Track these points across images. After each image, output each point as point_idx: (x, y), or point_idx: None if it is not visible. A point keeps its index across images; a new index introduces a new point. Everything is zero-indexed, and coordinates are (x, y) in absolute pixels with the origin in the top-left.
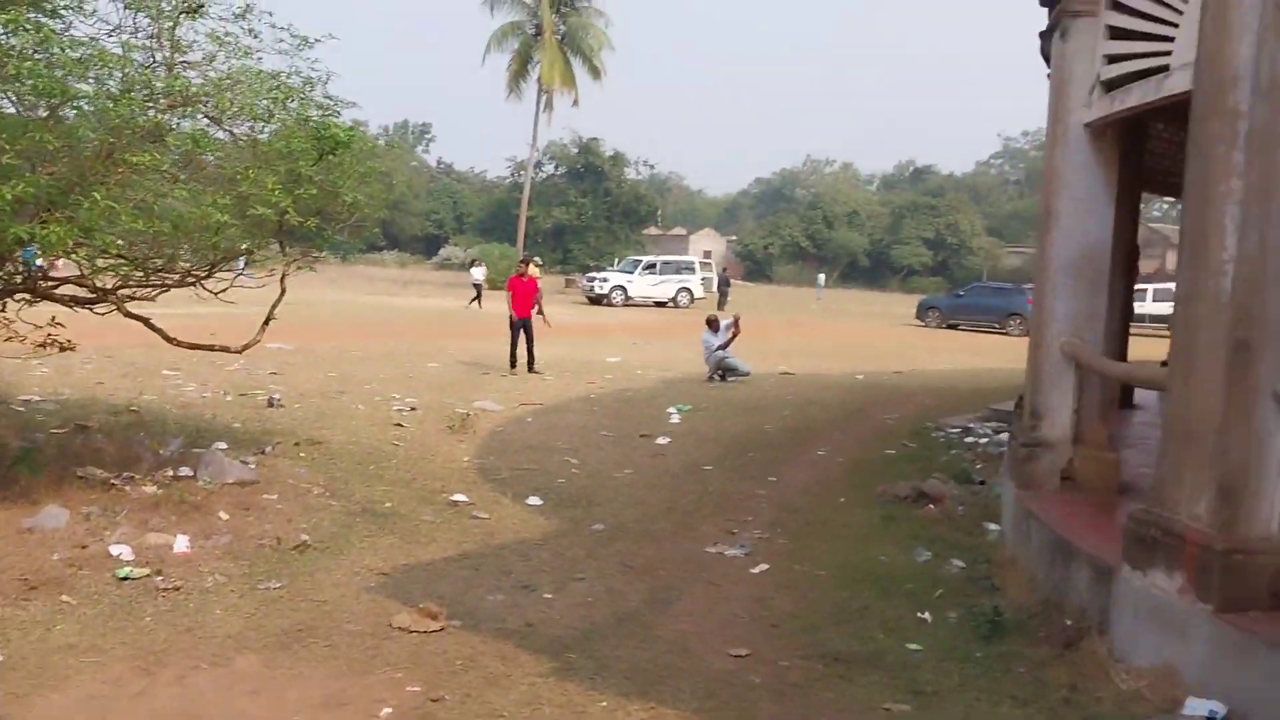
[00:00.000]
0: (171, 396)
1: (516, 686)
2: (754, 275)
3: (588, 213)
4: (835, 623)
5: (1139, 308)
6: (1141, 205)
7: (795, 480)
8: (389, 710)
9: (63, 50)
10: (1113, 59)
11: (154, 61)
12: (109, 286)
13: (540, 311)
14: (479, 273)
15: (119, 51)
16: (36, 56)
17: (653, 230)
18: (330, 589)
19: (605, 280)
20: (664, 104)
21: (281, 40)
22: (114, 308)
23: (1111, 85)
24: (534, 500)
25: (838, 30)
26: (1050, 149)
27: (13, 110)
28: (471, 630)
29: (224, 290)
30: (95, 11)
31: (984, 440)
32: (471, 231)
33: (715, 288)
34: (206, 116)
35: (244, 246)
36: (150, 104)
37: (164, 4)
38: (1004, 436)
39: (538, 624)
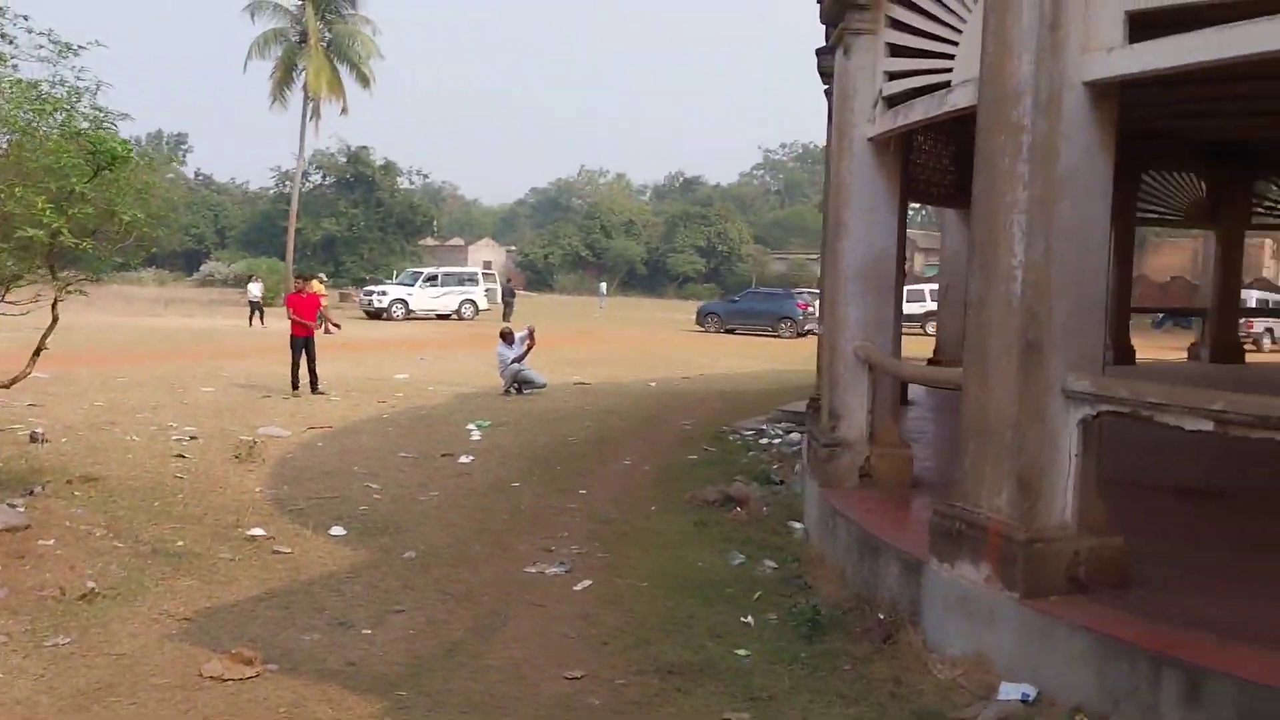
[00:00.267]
0: None
1: None
2: (535, 285)
3: (359, 224)
4: (664, 634)
5: None
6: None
7: (605, 491)
8: None
9: None
10: (893, 75)
11: None
12: None
13: (326, 321)
14: (256, 289)
15: None
16: None
17: (429, 241)
18: (128, 640)
19: (384, 294)
20: (438, 113)
21: (41, 47)
22: None
23: (893, 101)
24: (338, 530)
25: (609, 43)
26: (837, 162)
27: None
28: (290, 674)
29: None
30: None
31: (777, 441)
32: (235, 246)
33: (500, 299)
34: None
35: (10, 270)
36: None
37: None
38: (795, 437)
39: (361, 662)
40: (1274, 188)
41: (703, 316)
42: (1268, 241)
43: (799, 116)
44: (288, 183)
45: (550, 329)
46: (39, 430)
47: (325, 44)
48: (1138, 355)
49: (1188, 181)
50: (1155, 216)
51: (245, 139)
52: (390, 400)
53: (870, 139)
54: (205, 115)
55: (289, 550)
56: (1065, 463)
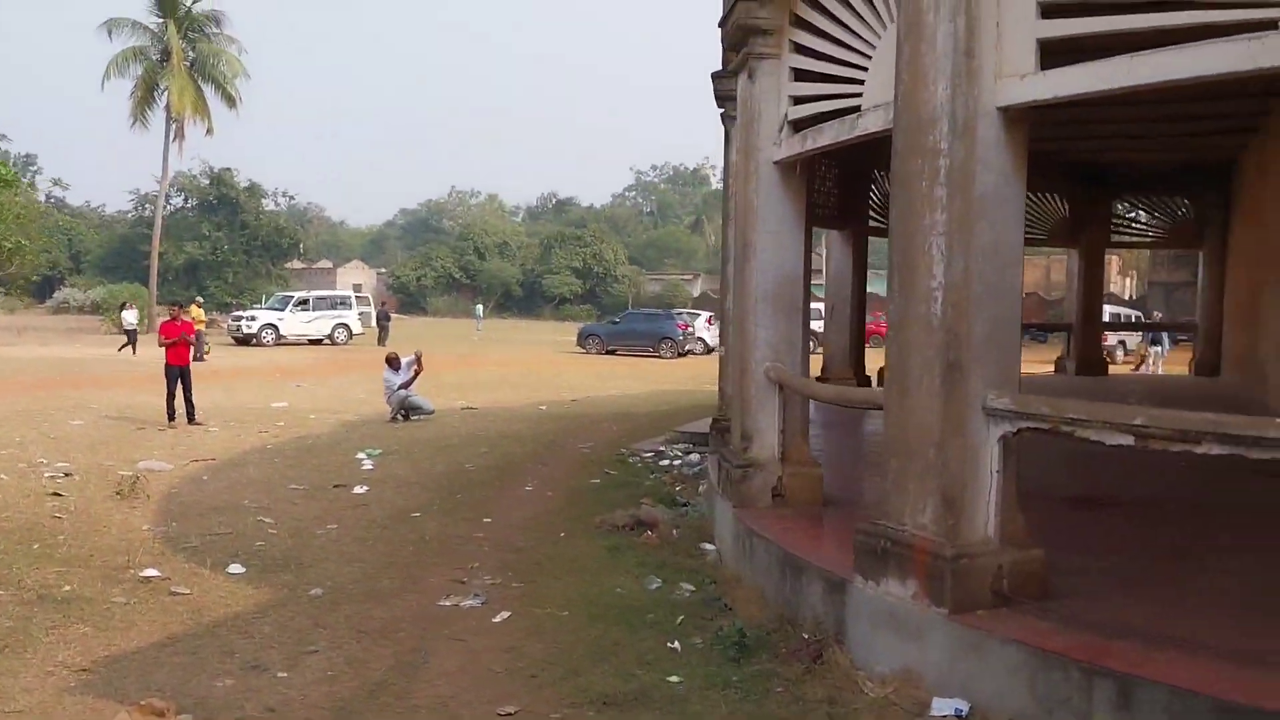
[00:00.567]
0: None
1: None
2: (408, 307)
3: (223, 247)
4: (593, 663)
5: None
6: None
7: (511, 519)
8: None
9: None
10: (798, 100)
11: None
12: None
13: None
14: (131, 316)
15: None
16: None
17: (296, 264)
18: (22, 696)
19: (254, 319)
20: (305, 134)
21: None
22: None
23: (799, 125)
24: (236, 568)
25: (476, 63)
26: (743, 185)
27: None
28: None
29: None
30: None
31: (677, 463)
32: (91, 271)
33: (375, 322)
34: None
35: None
36: None
37: None
38: (695, 458)
39: (281, 708)
40: (1130, 208)
41: (584, 338)
42: (1114, 258)
43: (669, 139)
44: (147, 206)
45: (428, 353)
46: None
47: (189, 63)
48: None
49: (1052, 202)
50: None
51: (100, 161)
52: (272, 430)
53: (776, 162)
54: (59, 136)
55: (187, 591)
56: (987, 479)
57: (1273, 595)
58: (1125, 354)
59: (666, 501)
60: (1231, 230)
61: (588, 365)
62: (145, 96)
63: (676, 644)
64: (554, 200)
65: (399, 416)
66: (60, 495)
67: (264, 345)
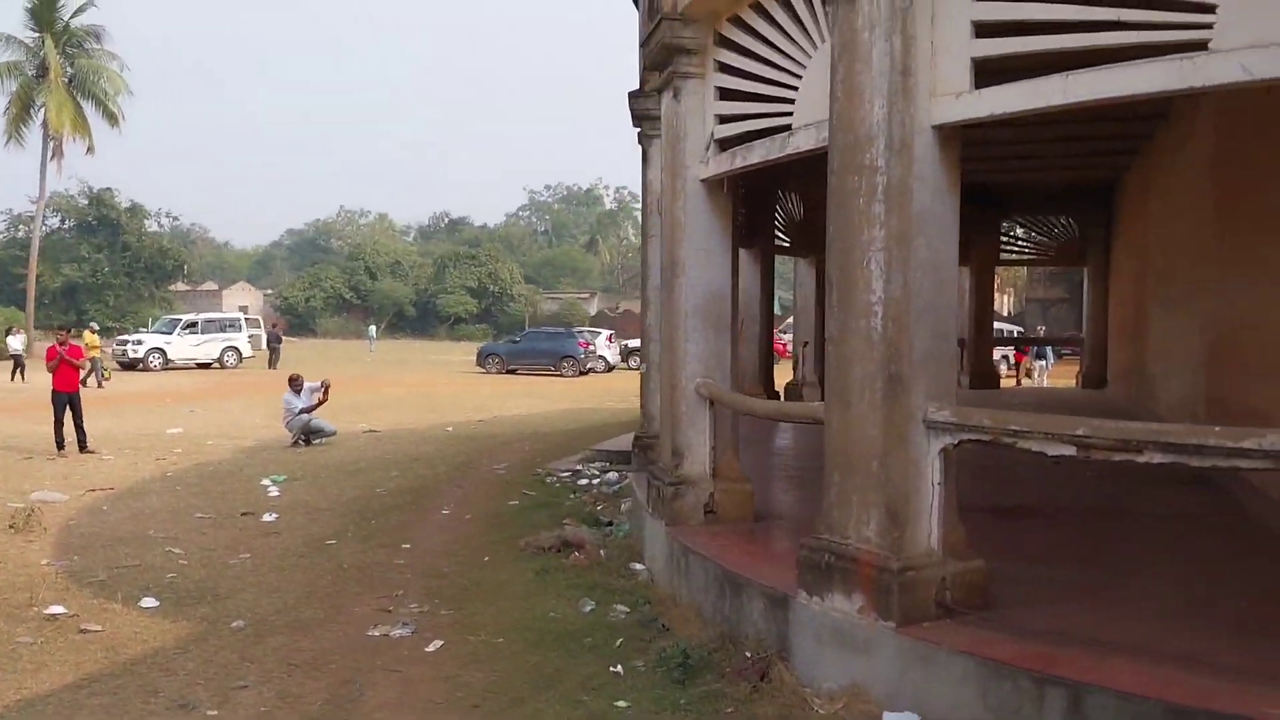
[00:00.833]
0: None
1: None
2: (297, 329)
3: (104, 270)
4: (536, 691)
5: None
6: None
7: (431, 544)
8: None
9: None
10: (724, 119)
11: None
12: None
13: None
14: (17, 341)
15: None
16: None
17: (180, 286)
18: None
19: (140, 343)
20: (188, 154)
21: None
22: None
23: (726, 144)
24: (149, 601)
25: (363, 82)
26: (670, 202)
27: None
28: None
29: None
30: None
31: (596, 481)
32: None
33: (265, 345)
34: None
35: None
36: None
37: None
38: (614, 476)
39: None
40: (1018, 227)
41: (484, 357)
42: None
43: (561, 159)
44: (21, 227)
45: (322, 375)
46: None
47: (67, 79)
48: None
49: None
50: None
51: None
52: (169, 457)
53: (703, 180)
54: None
55: (99, 628)
56: (929, 491)
57: (1199, 599)
58: (1008, 368)
59: (590, 521)
60: (1114, 248)
61: (489, 385)
62: (20, 113)
63: (619, 668)
64: (446, 219)
65: (300, 441)
66: None
67: (151, 370)
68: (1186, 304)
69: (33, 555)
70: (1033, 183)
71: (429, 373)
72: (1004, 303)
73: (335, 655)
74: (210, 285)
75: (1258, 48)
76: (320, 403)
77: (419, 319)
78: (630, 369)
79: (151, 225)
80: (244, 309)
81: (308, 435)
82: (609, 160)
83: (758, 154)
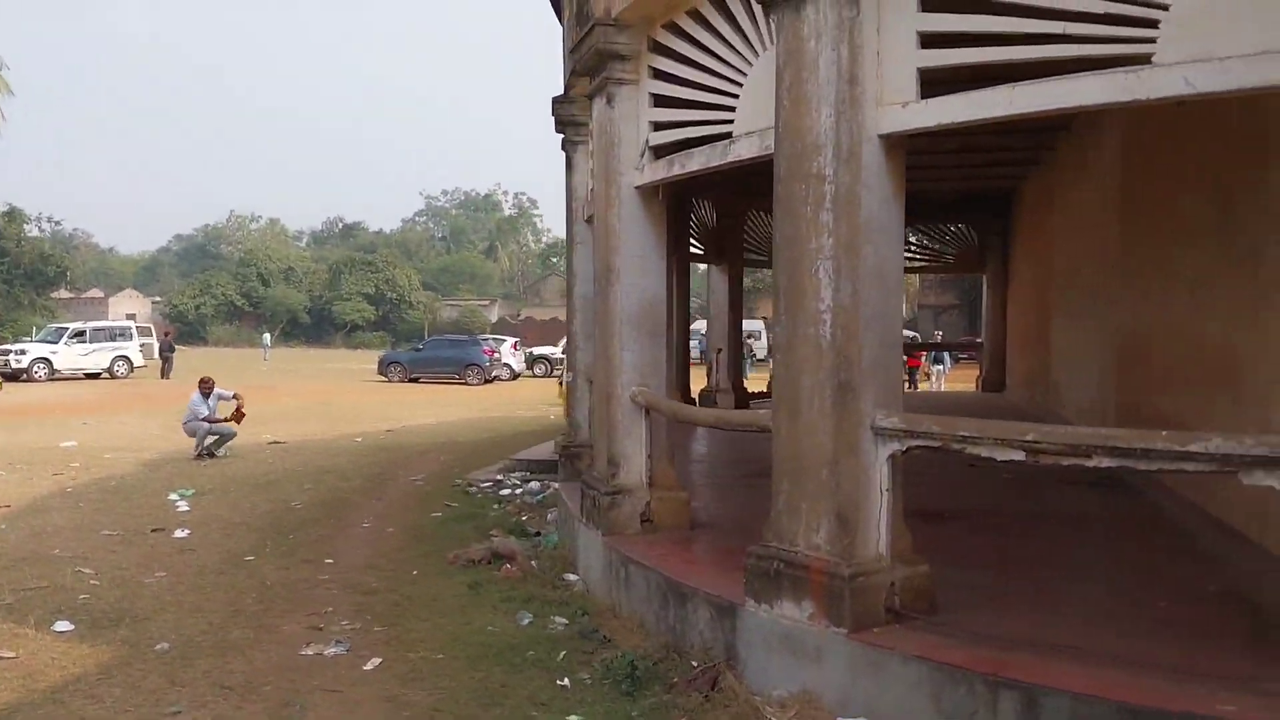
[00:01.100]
0: None
1: None
2: (187, 337)
3: None
4: (483, 708)
5: (556, 353)
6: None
7: (355, 558)
8: None
9: None
10: (659, 126)
11: None
12: None
13: None
14: None
15: None
16: None
17: (63, 293)
18: None
19: (24, 353)
20: (70, 157)
21: None
22: None
23: (662, 150)
24: (63, 625)
25: (249, 81)
26: (605, 209)
27: None
28: None
29: None
30: None
31: (518, 491)
32: None
33: (158, 354)
34: None
35: None
36: None
37: None
38: (536, 486)
39: None
40: (917, 234)
41: (385, 366)
42: None
43: (460, 164)
44: None
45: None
46: None
47: None
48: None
49: (769, 224)
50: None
51: None
52: (67, 472)
53: (638, 187)
54: None
55: (12, 654)
56: (877, 497)
57: (1127, 601)
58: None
59: (517, 532)
60: (1013, 256)
61: (393, 394)
62: None
63: (566, 681)
64: (341, 224)
65: (205, 454)
66: None
67: (36, 381)
68: (1092, 312)
69: None
70: (930, 192)
71: (328, 382)
72: None
73: (269, 676)
74: (96, 292)
75: (1199, 62)
76: (232, 419)
77: (314, 326)
78: (536, 377)
79: (31, 230)
80: (131, 317)
81: (211, 449)
82: (509, 166)
83: (698, 161)
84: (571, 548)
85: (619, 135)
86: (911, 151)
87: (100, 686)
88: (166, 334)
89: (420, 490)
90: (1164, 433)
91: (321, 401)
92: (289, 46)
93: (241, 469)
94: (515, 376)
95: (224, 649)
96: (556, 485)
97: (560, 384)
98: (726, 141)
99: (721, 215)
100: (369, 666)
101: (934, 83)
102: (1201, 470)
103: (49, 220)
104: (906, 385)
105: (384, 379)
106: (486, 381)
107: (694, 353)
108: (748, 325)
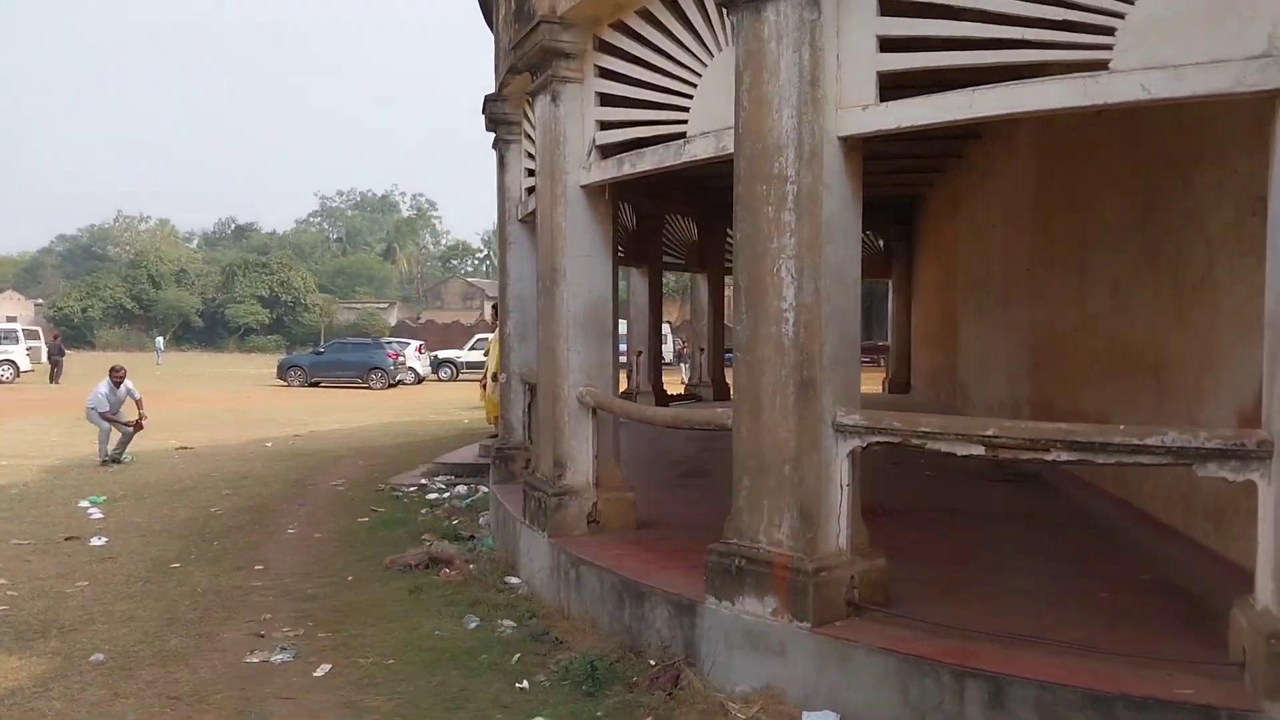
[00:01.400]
0: None
1: None
2: (73, 341)
3: None
4: (446, 712)
5: (469, 356)
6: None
7: (286, 565)
8: None
9: None
10: (606, 125)
11: None
12: None
13: None
14: None
15: None
16: None
17: None
18: None
19: None
20: None
21: None
22: None
23: (609, 150)
24: None
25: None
26: (551, 208)
27: None
28: None
29: None
30: None
31: (445, 495)
32: None
33: (46, 358)
34: None
35: None
36: None
37: None
38: (463, 489)
39: None
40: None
41: (285, 370)
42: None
43: (355, 162)
44: None
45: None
46: None
47: None
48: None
49: (686, 227)
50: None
51: None
52: None
53: (584, 186)
54: None
55: None
56: (838, 492)
57: (1068, 591)
58: None
59: (450, 536)
60: (917, 261)
61: (295, 398)
62: None
63: (525, 684)
64: (233, 225)
65: (110, 460)
66: None
67: None
68: (1003, 312)
69: None
70: None
71: (226, 386)
72: None
73: (218, 685)
74: None
75: (1155, 69)
76: (134, 426)
77: (206, 330)
78: (441, 381)
79: None
80: (13, 319)
81: (117, 454)
82: (405, 167)
83: (650, 161)
84: (512, 550)
85: (564, 133)
86: None
87: (38, 700)
88: (56, 337)
89: (343, 495)
90: (1121, 427)
91: (224, 407)
92: (179, 43)
93: (153, 475)
94: (420, 380)
95: (165, 658)
96: (485, 489)
97: (482, 387)
98: (680, 141)
99: (641, 218)
100: (319, 673)
101: (891, 85)
102: (1157, 463)
103: None
104: None
105: (284, 383)
106: (391, 385)
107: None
108: None
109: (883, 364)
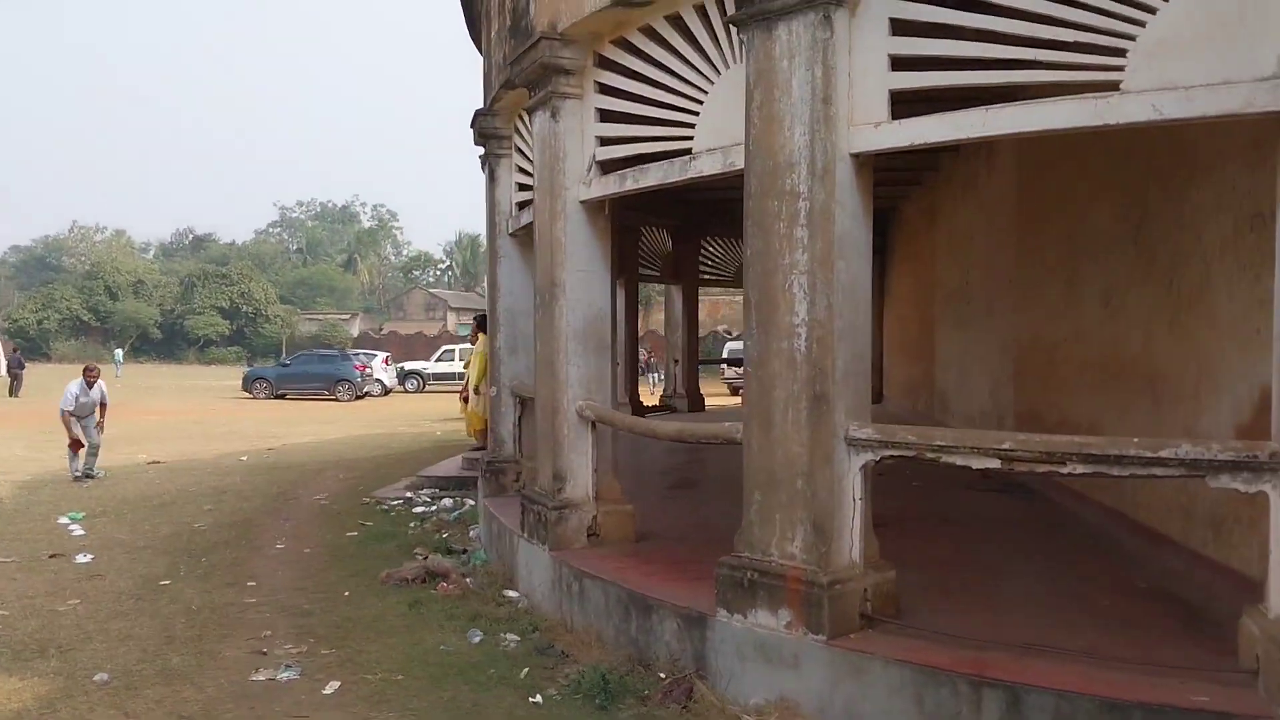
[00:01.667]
0: None
1: None
2: (28, 354)
3: None
4: None
5: (435, 368)
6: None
7: (279, 580)
8: None
9: None
10: (606, 141)
11: None
12: None
13: None
14: None
15: None
16: None
17: None
18: None
19: None
20: None
21: None
22: None
23: (609, 166)
24: None
25: (90, 83)
26: (550, 223)
27: None
28: None
29: None
30: None
31: (433, 509)
32: None
33: (5, 371)
34: None
35: None
36: None
37: None
38: (449, 503)
39: None
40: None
41: (250, 382)
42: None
43: (314, 176)
44: None
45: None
46: None
47: None
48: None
49: (660, 239)
50: (652, 274)
51: None
52: None
53: (584, 201)
54: None
55: None
56: (851, 506)
57: (1071, 598)
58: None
59: (442, 550)
60: (891, 272)
61: (262, 411)
62: None
63: (538, 698)
64: (191, 236)
65: (84, 475)
66: None
67: None
68: (986, 322)
69: None
70: None
71: (189, 399)
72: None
73: (227, 704)
74: None
75: (1166, 90)
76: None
77: (165, 342)
78: (408, 392)
79: None
80: None
81: (89, 469)
82: (364, 177)
83: (654, 177)
84: (509, 564)
85: (564, 149)
86: None
87: None
88: (15, 350)
89: (328, 509)
90: (1135, 440)
91: (189, 420)
92: (139, 47)
93: (130, 490)
94: (387, 392)
95: (169, 677)
96: (471, 501)
97: (462, 400)
98: (686, 158)
99: (616, 233)
100: (328, 690)
101: (912, 101)
102: (1170, 475)
103: None
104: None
105: (249, 395)
106: (358, 398)
107: None
108: None
109: None
